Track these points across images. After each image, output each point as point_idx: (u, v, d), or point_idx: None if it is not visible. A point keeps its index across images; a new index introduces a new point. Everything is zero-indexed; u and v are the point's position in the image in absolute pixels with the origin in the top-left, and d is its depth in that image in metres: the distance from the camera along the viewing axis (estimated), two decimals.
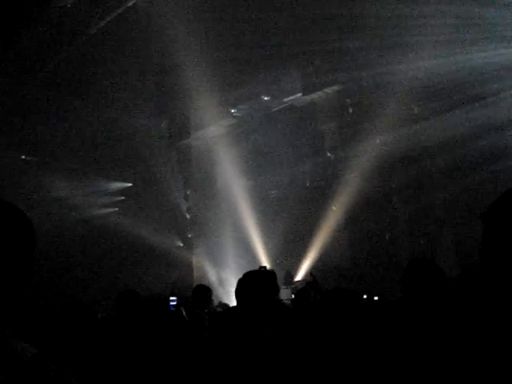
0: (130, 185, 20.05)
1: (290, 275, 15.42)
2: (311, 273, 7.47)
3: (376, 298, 8.61)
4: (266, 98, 17.54)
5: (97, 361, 3.12)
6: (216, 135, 18.58)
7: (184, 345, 3.44)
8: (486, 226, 1.28)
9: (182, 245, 19.78)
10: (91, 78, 15.96)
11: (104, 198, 19.73)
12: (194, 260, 19.32)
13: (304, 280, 15.22)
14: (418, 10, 12.10)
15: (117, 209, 19.83)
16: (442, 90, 12.84)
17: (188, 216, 19.94)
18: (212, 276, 17.97)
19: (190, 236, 19.84)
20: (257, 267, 16.25)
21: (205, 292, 6.47)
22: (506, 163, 12.15)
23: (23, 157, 17.26)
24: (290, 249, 16.41)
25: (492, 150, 12.35)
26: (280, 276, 14.18)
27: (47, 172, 17.17)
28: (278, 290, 2.49)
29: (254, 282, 2.43)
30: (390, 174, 14.66)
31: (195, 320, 5.08)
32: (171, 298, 8.30)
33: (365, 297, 7.86)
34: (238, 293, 2.41)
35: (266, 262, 16.48)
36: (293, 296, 10.36)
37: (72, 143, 17.33)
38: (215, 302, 12.80)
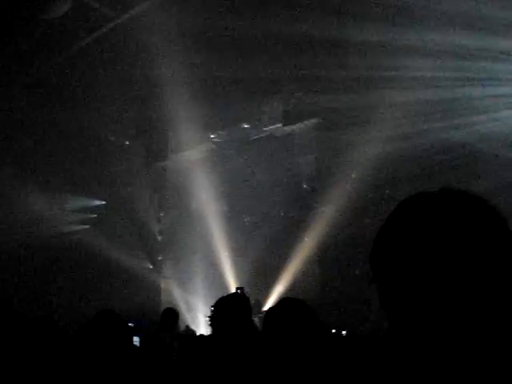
0: (104, 203, 19.89)
1: (259, 304, 15.33)
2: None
3: (344, 333, 8.61)
4: (245, 126, 17.66)
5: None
6: (193, 159, 18.59)
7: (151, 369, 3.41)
8: (375, 273, 0.95)
9: (151, 267, 19.59)
10: (73, 92, 15.90)
11: (76, 214, 19.52)
12: (163, 283, 19.14)
13: None
14: (403, 37, 12.32)
15: (88, 226, 19.60)
16: (422, 130, 13.05)
17: (160, 238, 19.81)
18: (180, 300, 17.79)
19: (160, 258, 19.68)
20: (226, 293, 16.16)
21: (173, 316, 6.43)
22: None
23: None
24: (261, 277, 16.35)
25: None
26: None
27: (22, 184, 16.92)
28: (251, 313, 2.47)
29: (229, 307, 2.40)
30: (365, 208, 14.77)
31: (164, 343, 5.04)
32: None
33: (333, 331, 7.85)
34: (214, 318, 2.38)
35: (235, 289, 16.39)
36: (259, 324, 10.28)
37: (49, 156, 17.18)
38: (182, 327, 12.70)
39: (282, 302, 2.61)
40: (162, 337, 5.83)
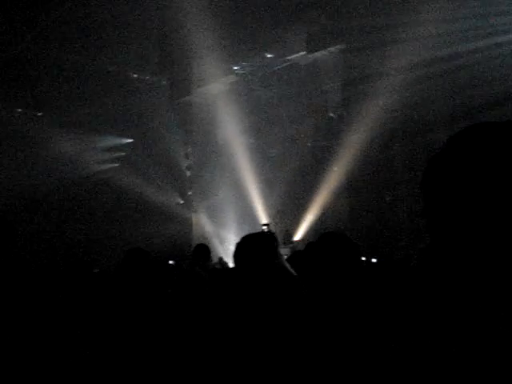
0: (131, 141, 19.97)
1: (289, 234, 15.49)
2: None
3: (374, 260, 8.65)
4: (269, 56, 17.30)
5: (95, 316, 3.14)
6: (218, 92, 18.39)
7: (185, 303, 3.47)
8: (425, 196, 0.94)
9: (181, 202, 19.82)
10: (94, 32, 15.72)
11: (105, 153, 19.67)
12: (194, 218, 19.39)
13: (302, 240, 15.31)
14: None
15: (117, 164, 19.79)
16: (449, 53, 12.64)
17: (188, 173, 19.92)
18: (211, 234, 18.06)
19: (189, 193, 19.86)
20: (256, 226, 16.35)
21: (204, 251, 6.50)
22: None
23: (23, 110, 17.12)
24: (290, 208, 16.45)
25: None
26: (279, 235, 14.25)
27: (49, 126, 17.04)
28: (276, 254, 2.40)
29: (252, 247, 2.35)
30: (392, 137, 14.57)
31: (195, 277, 5.13)
32: (169, 262, 8.23)
33: (363, 259, 7.89)
34: (237, 258, 2.36)
35: (265, 221, 16.50)
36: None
37: (74, 97, 17.18)
38: (214, 260, 12.94)
39: (324, 236, 2.53)
40: (193, 271, 5.92)
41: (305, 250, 3.77)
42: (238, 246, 2.36)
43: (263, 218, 16.87)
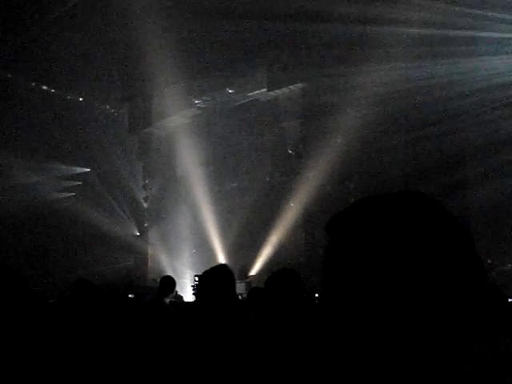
0: (88, 170, 19.78)
1: (245, 270, 15.47)
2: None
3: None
4: (230, 91, 17.53)
5: (46, 347, 3.10)
6: (178, 125, 18.48)
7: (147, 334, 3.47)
8: (330, 238, 1.01)
9: (137, 234, 19.63)
10: (55, 61, 15.67)
11: (61, 181, 19.41)
12: (150, 250, 19.20)
13: (258, 275, 15.31)
14: (387, 11, 12.33)
15: (73, 193, 19.54)
16: (407, 93, 13.04)
17: (145, 205, 19.80)
18: (167, 267, 17.89)
19: (146, 225, 19.70)
20: (212, 260, 16.30)
21: (172, 283, 6.68)
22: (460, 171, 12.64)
23: None
24: (246, 243, 16.45)
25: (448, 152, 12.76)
26: (235, 270, 14.22)
27: (5, 153, 16.75)
28: (234, 286, 2.48)
29: (213, 280, 2.42)
30: (350, 174, 14.85)
31: (163, 310, 5.17)
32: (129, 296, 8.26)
33: (317, 295, 7.94)
34: (199, 291, 2.41)
35: (221, 255, 16.49)
36: (245, 290, 10.44)
37: (32, 125, 16.99)
38: None
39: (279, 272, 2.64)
40: (163, 304, 6.02)
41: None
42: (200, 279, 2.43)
43: (219, 252, 16.85)
